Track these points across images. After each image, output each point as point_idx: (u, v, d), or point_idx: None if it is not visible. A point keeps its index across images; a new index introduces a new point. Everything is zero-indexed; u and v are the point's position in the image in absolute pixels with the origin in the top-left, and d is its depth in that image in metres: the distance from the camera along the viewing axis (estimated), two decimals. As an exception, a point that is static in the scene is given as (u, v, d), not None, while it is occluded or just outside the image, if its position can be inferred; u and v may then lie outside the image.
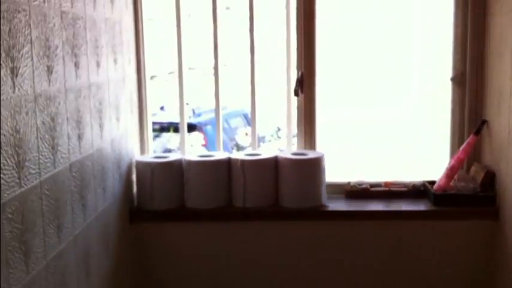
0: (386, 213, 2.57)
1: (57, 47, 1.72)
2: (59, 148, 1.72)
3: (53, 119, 1.68)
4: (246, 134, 5.89)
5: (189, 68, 7.10)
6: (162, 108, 7.13)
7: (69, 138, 1.81)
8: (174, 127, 6.61)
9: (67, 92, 1.80)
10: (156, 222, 2.59)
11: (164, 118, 6.55)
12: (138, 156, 2.65)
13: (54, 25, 1.70)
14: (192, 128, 6.57)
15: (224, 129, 6.71)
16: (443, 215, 2.55)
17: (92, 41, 2.04)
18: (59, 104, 1.73)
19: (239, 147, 5.92)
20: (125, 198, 2.48)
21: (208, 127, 6.73)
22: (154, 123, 6.88)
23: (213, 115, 7.40)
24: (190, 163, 2.57)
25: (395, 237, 2.58)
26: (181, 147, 2.85)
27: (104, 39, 2.18)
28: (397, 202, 2.65)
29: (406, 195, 2.70)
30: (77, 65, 1.88)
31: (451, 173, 2.59)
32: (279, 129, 7.06)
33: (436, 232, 2.57)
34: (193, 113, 7.30)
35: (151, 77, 2.74)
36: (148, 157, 2.62)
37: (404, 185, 2.74)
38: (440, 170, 2.70)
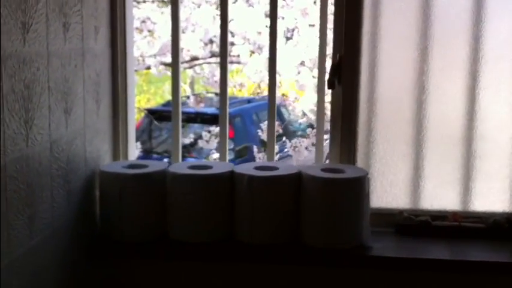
0: (453, 264, 1.77)
1: None
2: None
3: None
4: (277, 131, 5.01)
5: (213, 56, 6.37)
6: (188, 97, 6.61)
7: None
8: (201, 118, 6.06)
9: None
10: (126, 259, 1.85)
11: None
12: (106, 165, 1.90)
13: None
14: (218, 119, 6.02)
15: (253, 121, 6.19)
16: (540, 269, 1.75)
17: (12, -9, 1.30)
18: None
19: (264, 143, 5.13)
20: (79, 226, 1.74)
21: (237, 119, 6.17)
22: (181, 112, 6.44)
23: (242, 106, 6.76)
24: (177, 177, 1.81)
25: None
26: (174, 152, 2.10)
27: (41, -9, 1.44)
28: (470, 246, 1.84)
29: (483, 235, 1.88)
30: (-34, 22, 1.14)
31: (554, 208, 1.78)
32: (311, 126, 6.27)
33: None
34: (221, 103, 6.75)
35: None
36: (119, 166, 1.87)
37: (480, 219, 1.93)
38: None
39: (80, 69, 1.68)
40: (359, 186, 1.78)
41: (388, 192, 1.99)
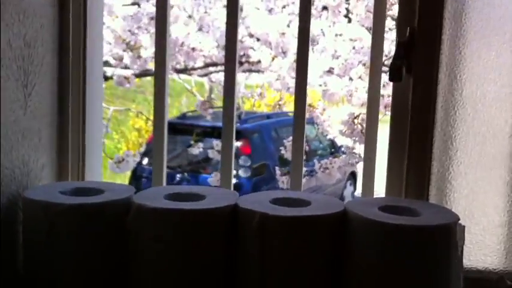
0: None
1: None
2: None
3: None
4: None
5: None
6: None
7: None
8: (218, 132, 5.76)
9: None
10: None
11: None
12: (33, 188, 1.21)
13: None
14: (236, 134, 5.60)
15: (272, 138, 6.02)
16: None
17: None
18: None
19: (285, 162, 4.46)
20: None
21: (255, 135, 6.04)
22: (196, 126, 5.95)
23: (261, 122, 6.39)
24: (145, 213, 1.12)
25: None
26: (155, 172, 1.42)
27: None
28: None
29: None
30: None
31: None
32: (332, 143, 5.64)
33: None
34: (239, 118, 6.39)
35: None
36: (55, 190, 1.17)
37: None
38: None
39: (-15, 28, 1.01)
40: (446, 238, 1.07)
41: (479, 245, 1.28)
